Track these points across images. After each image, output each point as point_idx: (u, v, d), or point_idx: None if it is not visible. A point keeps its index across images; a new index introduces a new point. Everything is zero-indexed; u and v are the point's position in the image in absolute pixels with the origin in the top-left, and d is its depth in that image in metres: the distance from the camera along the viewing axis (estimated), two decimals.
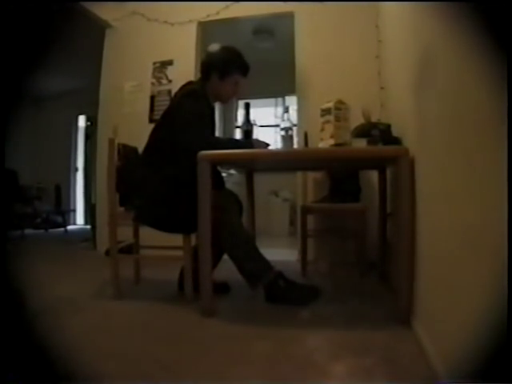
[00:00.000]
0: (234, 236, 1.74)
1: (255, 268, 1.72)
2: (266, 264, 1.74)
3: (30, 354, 0.96)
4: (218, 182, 1.90)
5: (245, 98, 5.22)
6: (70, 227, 5.74)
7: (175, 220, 1.81)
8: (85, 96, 5.02)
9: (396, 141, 1.72)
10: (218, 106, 4.99)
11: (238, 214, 1.87)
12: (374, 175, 2.53)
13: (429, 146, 1.23)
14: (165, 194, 1.81)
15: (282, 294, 1.72)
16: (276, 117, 5.44)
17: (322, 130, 1.78)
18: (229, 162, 2.26)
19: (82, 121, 6.51)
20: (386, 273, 2.19)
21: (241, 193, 2.30)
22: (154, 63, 3.33)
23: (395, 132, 1.81)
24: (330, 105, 1.74)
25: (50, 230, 5.52)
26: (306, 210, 2.53)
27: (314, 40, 3.03)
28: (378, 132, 1.74)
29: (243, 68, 1.92)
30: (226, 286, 1.99)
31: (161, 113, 1.98)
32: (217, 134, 5.02)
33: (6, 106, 1.11)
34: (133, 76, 3.36)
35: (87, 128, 6.50)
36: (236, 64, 1.90)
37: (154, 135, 1.92)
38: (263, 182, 3.95)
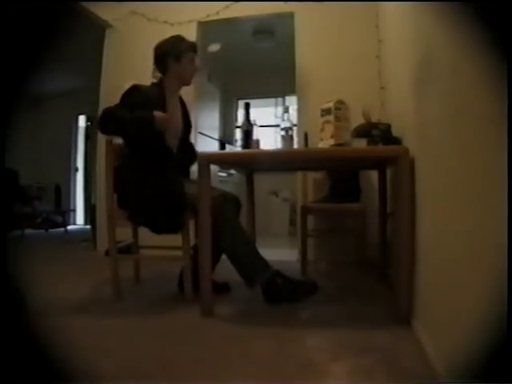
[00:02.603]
0: (232, 235, 1.74)
1: (253, 266, 1.72)
2: (263, 263, 1.74)
3: (30, 354, 0.96)
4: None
5: (245, 97, 5.25)
6: (70, 227, 5.74)
7: (157, 221, 1.84)
8: (85, 96, 5.01)
9: (396, 141, 1.72)
10: (217, 107, 5.02)
11: (236, 214, 1.87)
12: (374, 175, 2.53)
13: (429, 145, 1.24)
14: (144, 197, 1.84)
15: (281, 291, 1.71)
16: (276, 117, 5.44)
17: (322, 130, 1.78)
18: (228, 162, 2.26)
19: (82, 121, 6.51)
20: (386, 273, 2.20)
21: (241, 193, 2.30)
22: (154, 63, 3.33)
23: (395, 132, 1.81)
24: (330, 105, 1.74)
25: (50, 230, 5.52)
26: (305, 210, 2.53)
27: (314, 40, 3.03)
28: (378, 132, 1.74)
29: (191, 45, 2.04)
30: (226, 285, 1.99)
31: None
32: (216, 133, 4.99)
33: (6, 106, 1.11)
34: (133, 76, 3.35)
35: (87, 128, 6.50)
36: (185, 44, 2.01)
37: None
38: (263, 182, 3.95)
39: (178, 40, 2.02)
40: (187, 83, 2.08)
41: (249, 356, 1.23)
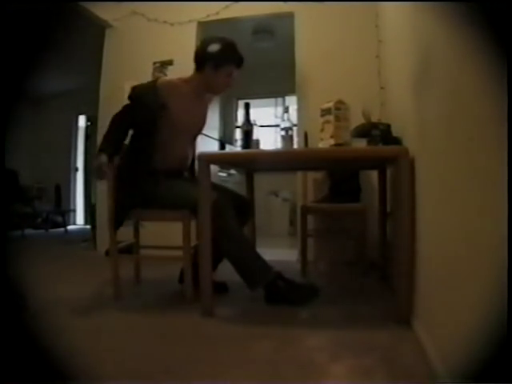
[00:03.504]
0: (231, 239, 1.73)
1: (253, 270, 1.72)
2: (264, 265, 1.73)
3: (30, 354, 0.96)
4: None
5: (245, 97, 5.25)
6: (70, 227, 5.74)
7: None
8: (85, 96, 5.02)
9: (396, 141, 1.72)
10: (217, 107, 5.02)
11: (235, 217, 1.80)
12: (373, 175, 2.53)
13: (429, 146, 1.24)
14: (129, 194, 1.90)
15: (282, 295, 1.72)
16: (276, 117, 5.44)
17: (322, 130, 1.77)
18: (228, 162, 2.26)
19: (82, 121, 6.51)
20: (386, 273, 2.20)
21: (241, 193, 2.29)
22: (154, 63, 3.33)
23: (395, 132, 1.81)
24: (330, 105, 1.74)
25: (50, 230, 5.52)
26: (305, 210, 2.53)
27: (314, 40, 3.03)
28: (378, 132, 1.74)
29: (237, 59, 1.90)
30: (224, 285, 1.99)
31: None
32: (216, 133, 5.00)
33: (6, 106, 1.11)
34: (133, 76, 3.35)
35: (87, 128, 6.50)
36: (230, 55, 1.88)
37: None
38: (263, 182, 3.95)
39: (226, 48, 1.87)
40: (215, 93, 2.04)
41: (249, 356, 1.23)
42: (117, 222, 1.89)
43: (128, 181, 1.87)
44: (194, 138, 2.14)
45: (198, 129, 2.12)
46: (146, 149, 1.85)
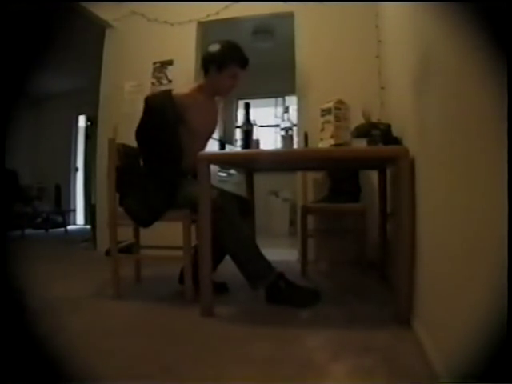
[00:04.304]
0: (235, 237, 1.73)
1: (256, 269, 1.72)
2: (267, 265, 1.73)
3: (30, 354, 0.96)
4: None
5: (245, 97, 5.25)
6: (70, 227, 5.74)
7: (134, 209, 1.88)
8: (85, 96, 5.02)
9: (396, 141, 1.72)
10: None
11: (239, 215, 1.82)
12: (374, 175, 2.53)
13: (429, 146, 1.24)
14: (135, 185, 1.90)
15: (283, 296, 1.72)
16: (276, 117, 5.44)
17: (322, 130, 1.78)
18: (228, 162, 2.26)
19: (82, 121, 6.51)
20: (386, 273, 2.20)
21: (241, 193, 2.30)
22: (154, 63, 3.33)
23: (395, 132, 1.81)
24: (330, 105, 1.74)
25: (50, 230, 5.52)
26: (306, 210, 2.53)
27: (314, 40, 3.03)
28: (378, 132, 1.74)
29: (241, 60, 1.91)
30: (224, 285, 1.99)
31: None
32: (216, 133, 5.02)
33: (6, 106, 1.11)
34: (133, 76, 3.36)
35: (87, 128, 6.50)
36: (233, 56, 1.89)
37: None
38: (263, 181, 3.95)
39: (229, 49, 1.90)
40: (221, 95, 2.04)
41: (249, 356, 1.23)
42: (145, 222, 1.87)
43: (159, 183, 1.84)
44: (206, 141, 2.15)
45: (211, 133, 2.15)
46: (171, 152, 1.85)
